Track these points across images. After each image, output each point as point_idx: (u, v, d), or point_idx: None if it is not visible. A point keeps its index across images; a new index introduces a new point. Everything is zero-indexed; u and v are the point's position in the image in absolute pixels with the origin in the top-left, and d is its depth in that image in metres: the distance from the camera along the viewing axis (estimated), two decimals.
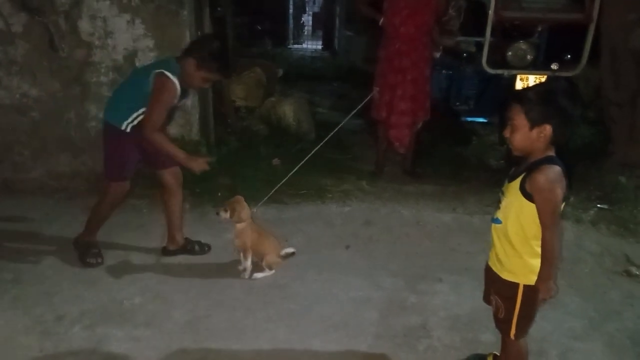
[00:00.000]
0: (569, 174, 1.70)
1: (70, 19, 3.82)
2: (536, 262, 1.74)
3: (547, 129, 1.65)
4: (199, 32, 4.11)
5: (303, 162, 3.45)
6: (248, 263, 2.84)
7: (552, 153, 1.70)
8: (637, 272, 3.02)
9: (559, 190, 1.64)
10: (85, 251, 2.96)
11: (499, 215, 1.81)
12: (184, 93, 2.78)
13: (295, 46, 13.79)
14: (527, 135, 1.68)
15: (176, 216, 3.03)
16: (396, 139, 4.25)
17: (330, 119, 6.11)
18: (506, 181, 1.81)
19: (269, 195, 3.32)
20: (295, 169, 3.43)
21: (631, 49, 4.13)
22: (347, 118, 3.98)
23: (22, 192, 3.84)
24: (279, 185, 3.38)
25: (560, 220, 1.67)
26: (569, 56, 4.39)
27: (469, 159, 4.93)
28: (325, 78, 8.81)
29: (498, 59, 4.21)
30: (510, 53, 4.21)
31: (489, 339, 2.36)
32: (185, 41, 3.67)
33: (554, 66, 4.17)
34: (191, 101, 3.99)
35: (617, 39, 4.14)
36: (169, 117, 2.94)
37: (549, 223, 1.66)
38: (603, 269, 3.04)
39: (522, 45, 4.23)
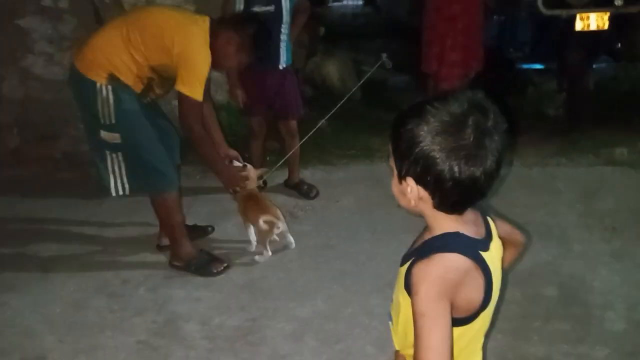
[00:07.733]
0: None
1: None
2: None
3: (412, 186, 0.94)
4: None
5: None
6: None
7: (460, 227, 0.96)
8: None
9: (436, 294, 0.89)
10: None
11: (392, 311, 1.11)
12: None
13: (335, 4, 13.38)
14: (397, 186, 1.00)
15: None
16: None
17: (376, 76, 5.94)
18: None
19: None
20: None
21: None
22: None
23: (83, 165, 3.99)
24: None
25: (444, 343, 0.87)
26: None
27: (526, 110, 4.68)
28: (369, 35, 8.53)
29: None
30: None
31: (552, 293, 2.28)
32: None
33: (618, 2, 3.82)
34: None
35: None
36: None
37: (417, 339, 0.88)
38: None
39: None
